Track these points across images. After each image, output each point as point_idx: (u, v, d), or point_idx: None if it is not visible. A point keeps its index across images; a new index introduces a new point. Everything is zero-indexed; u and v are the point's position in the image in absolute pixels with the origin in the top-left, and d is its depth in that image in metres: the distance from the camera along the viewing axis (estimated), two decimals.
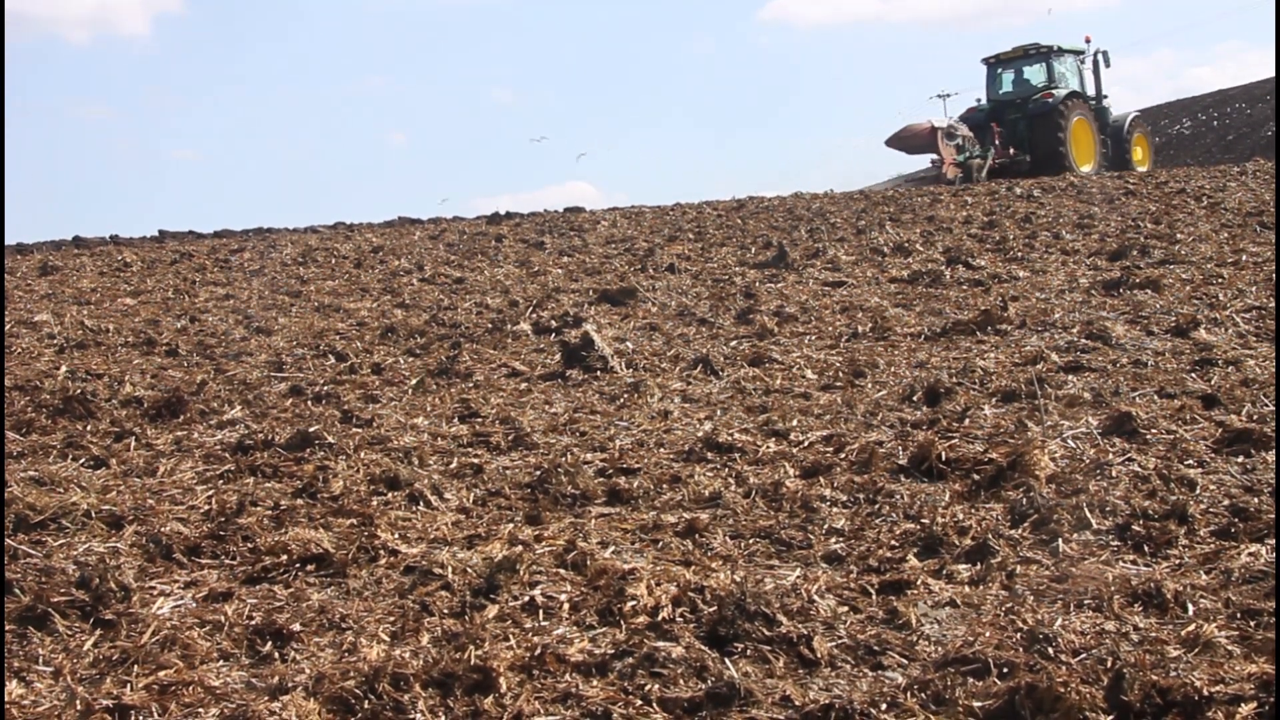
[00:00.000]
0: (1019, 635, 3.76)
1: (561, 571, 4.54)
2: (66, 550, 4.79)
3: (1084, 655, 3.59)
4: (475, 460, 6.27)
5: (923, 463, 5.72)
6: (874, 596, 4.27)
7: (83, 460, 6.32)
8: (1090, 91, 30.98)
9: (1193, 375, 7.11)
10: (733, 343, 9.65)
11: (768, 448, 6.22)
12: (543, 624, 4.08)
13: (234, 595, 4.41)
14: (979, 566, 4.45)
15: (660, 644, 3.82)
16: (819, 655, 3.75)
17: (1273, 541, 4.41)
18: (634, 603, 4.14)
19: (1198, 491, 5.04)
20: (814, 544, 4.85)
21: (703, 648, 3.79)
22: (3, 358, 9.58)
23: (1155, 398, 6.62)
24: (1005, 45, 35.69)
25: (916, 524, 4.96)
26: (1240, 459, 5.43)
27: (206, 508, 5.45)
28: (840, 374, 8.05)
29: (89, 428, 7.03)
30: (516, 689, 3.56)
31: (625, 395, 7.79)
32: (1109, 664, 3.48)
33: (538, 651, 3.77)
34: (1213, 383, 6.80)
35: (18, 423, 7.06)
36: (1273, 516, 4.63)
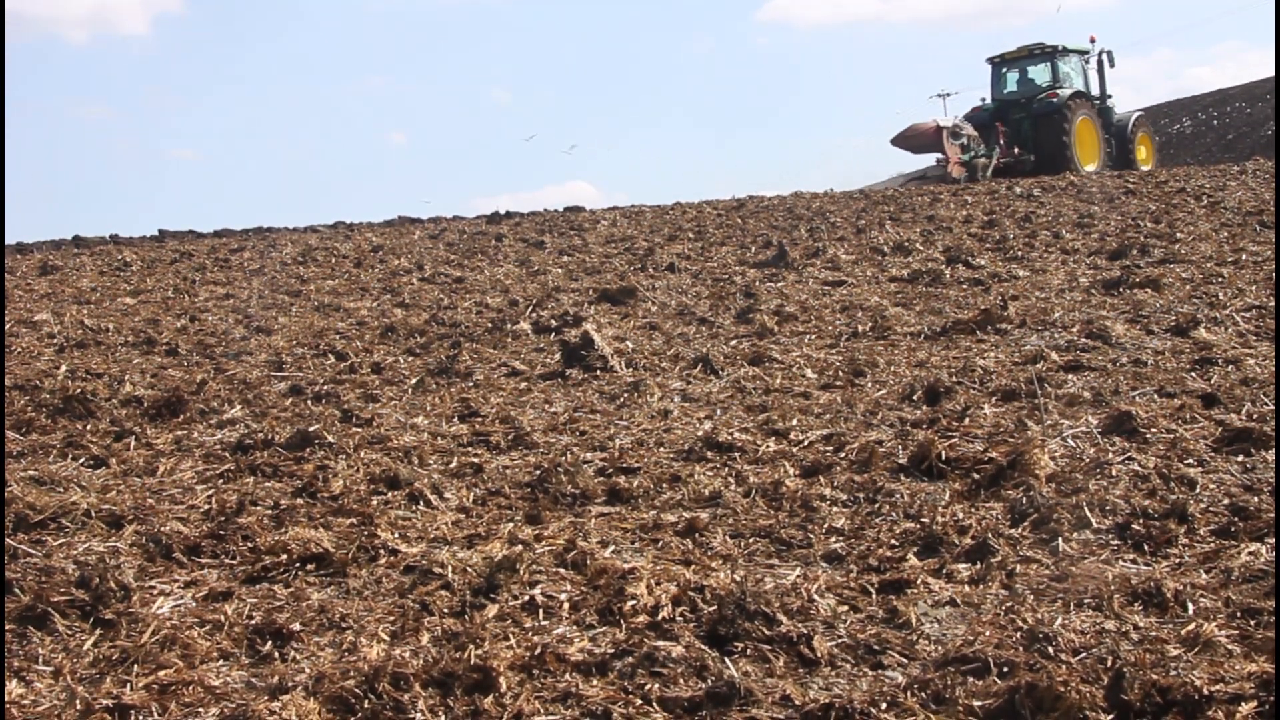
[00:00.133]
0: (1019, 634, 3.76)
1: (561, 571, 4.54)
2: (66, 550, 4.79)
3: (1084, 654, 3.59)
4: (475, 460, 6.27)
5: (923, 462, 5.72)
6: (874, 596, 4.27)
7: (83, 460, 6.32)
8: (1095, 91, 31.06)
9: (1192, 374, 7.10)
10: (733, 342, 9.65)
11: (768, 447, 6.22)
12: (543, 623, 4.08)
13: (234, 595, 4.41)
14: (979, 566, 4.45)
15: (660, 643, 3.82)
16: (819, 654, 3.75)
17: (1273, 540, 4.41)
18: (634, 602, 4.14)
19: (1198, 490, 5.04)
20: (814, 543, 4.85)
21: (703, 647, 3.79)
22: (3, 357, 9.58)
23: (1155, 397, 6.62)
24: (1005, 45, 35.82)
25: (916, 523, 4.96)
26: (1240, 458, 5.43)
27: (206, 507, 5.45)
28: (840, 373, 8.05)
29: (89, 427, 7.02)
30: (516, 688, 3.56)
31: (625, 394, 7.79)
32: (1109, 663, 3.48)
33: (538, 651, 3.77)
34: (1212, 382, 6.80)
35: (18, 422, 7.05)
36: (1273, 515, 4.63)
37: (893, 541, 4.80)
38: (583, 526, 5.15)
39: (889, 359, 8.45)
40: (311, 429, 6.61)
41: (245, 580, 4.59)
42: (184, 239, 22.19)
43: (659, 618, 4.04)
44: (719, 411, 7.19)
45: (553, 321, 10.86)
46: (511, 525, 5.16)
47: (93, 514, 5.21)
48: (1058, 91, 29.64)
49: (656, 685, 3.58)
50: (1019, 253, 13.98)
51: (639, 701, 3.50)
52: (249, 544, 4.91)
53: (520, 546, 4.77)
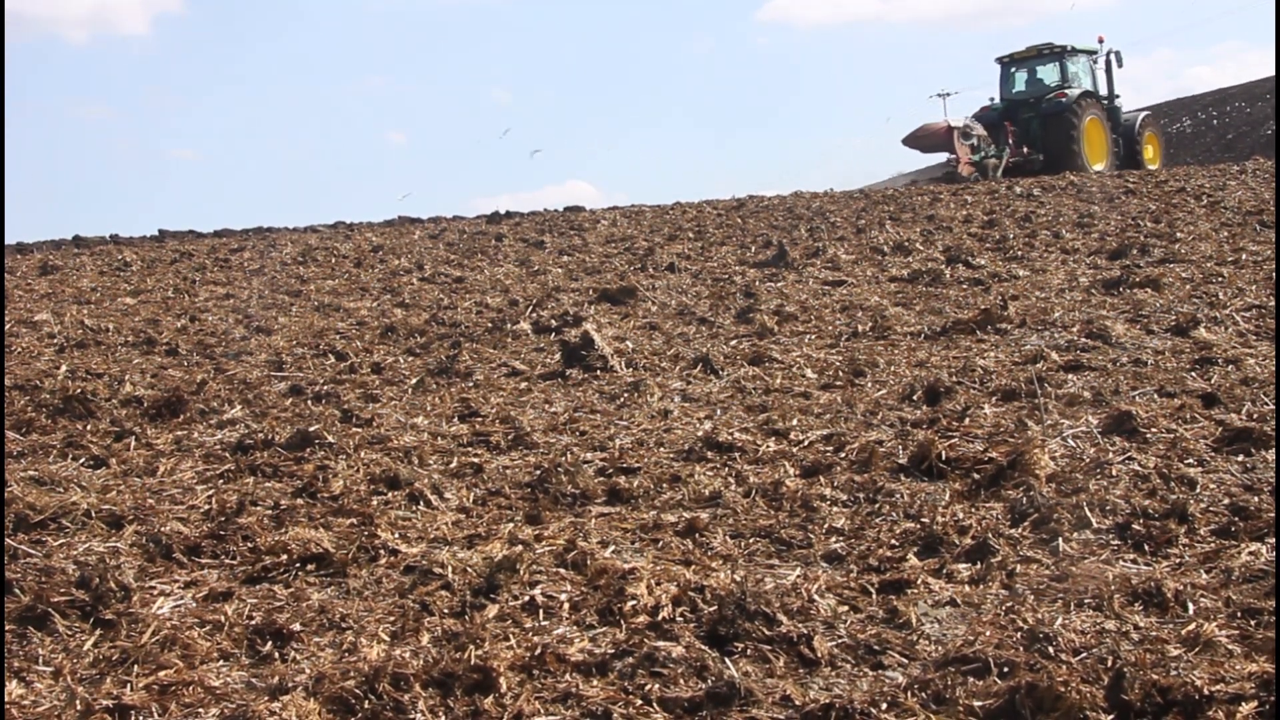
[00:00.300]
0: (1019, 634, 3.76)
1: (561, 571, 4.54)
2: (66, 550, 4.79)
3: (1084, 654, 3.59)
4: (475, 460, 6.27)
5: (923, 462, 5.72)
6: (874, 596, 4.27)
7: (83, 460, 6.32)
8: (1103, 91, 31.16)
9: (1192, 374, 7.10)
10: (733, 342, 9.65)
11: (768, 447, 6.22)
12: (543, 624, 4.08)
13: (234, 595, 4.41)
14: (979, 566, 4.45)
15: (660, 644, 3.82)
16: (819, 655, 3.75)
17: (1273, 540, 4.41)
18: (634, 602, 4.14)
19: (1198, 490, 5.04)
20: (814, 543, 4.85)
21: (703, 647, 3.79)
22: (3, 357, 9.58)
23: (1155, 397, 6.62)
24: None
25: (916, 523, 4.96)
26: (1240, 458, 5.43)
27: (206, 507, 5.45)
28: (840, 373, 8.05)
29: (89, 427, 7.02)
30: (516, 689, 3.56)
31: (625, 394, 7.79)
32: (1109, 663, 3.48)
33: (538, 651, 3.77)
34: (1213, 381, 6.80)
35: (18, 422, 7.05)
36: (1272, 515, 4.63)
37: (893, 541, 4.80)
38: (583, 527, 5.15)
39: (889, 359, 8.45)
40: (311, 429, 6.61)
41: (245, 580, 4.59)
42: (184, 239, 22.20)
43: (659, 618, 4.04)
44: (719, 411, 7.19)
45: (553, 321, 10.86)
46: (512, 525, 5.16)
47: (93, 514, 5.21)
48: (1066, 91, 29.79)
49: (657, 685, 3.58)
50: (1019, 252, 13.99)
51: (639, 702, 3.50)
52: (249, 544, 4.91)
53: (520, 547, 4.77)
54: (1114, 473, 5.31)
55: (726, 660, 3.72)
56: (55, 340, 10.75)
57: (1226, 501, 4.87)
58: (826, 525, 5.03)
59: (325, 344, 10.38)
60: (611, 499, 5.57)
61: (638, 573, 4.37)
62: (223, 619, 4.14)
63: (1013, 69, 31.51)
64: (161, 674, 3.71)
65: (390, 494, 5.64)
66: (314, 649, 3.95)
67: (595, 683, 3.63)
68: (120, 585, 4.28)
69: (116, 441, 6.75)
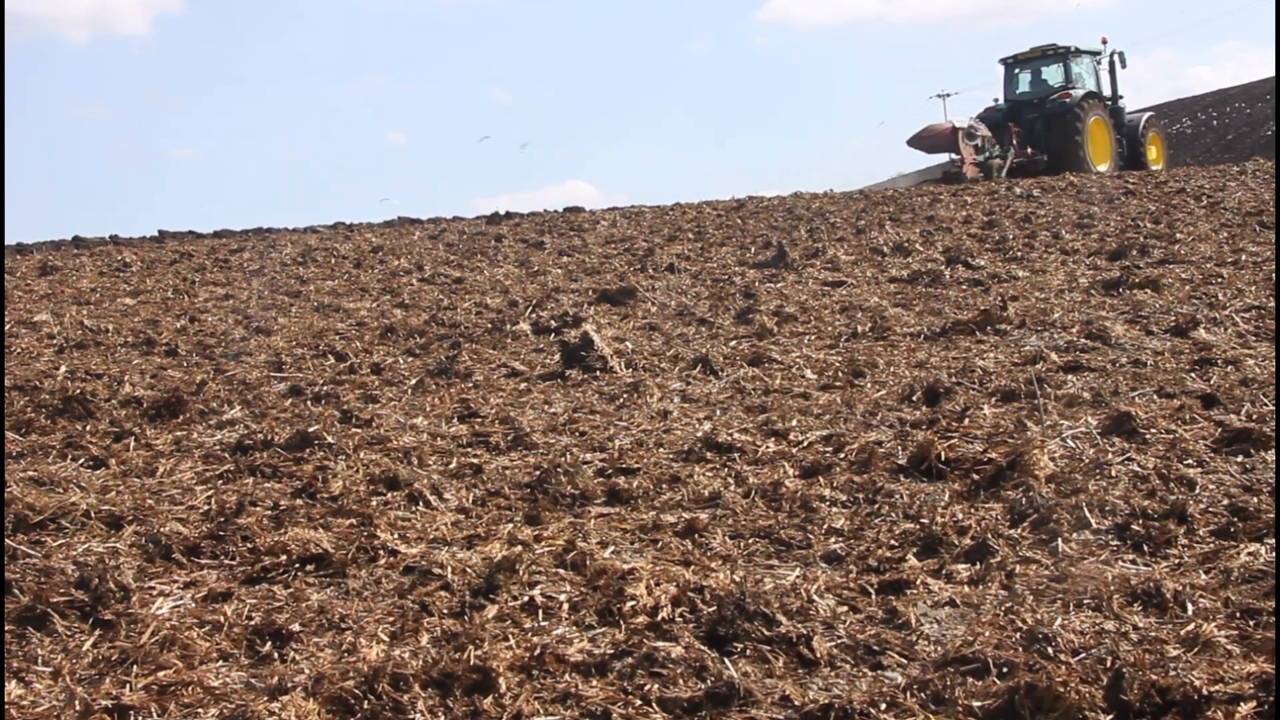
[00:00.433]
0: (1018, 635, 3.76)
1: (561, 571, 4.54)
2: (66, 550, 4.79)
3: (1083, 655, 3.59)
4: (475, 460, 6.27)
5: (922, 462, 5.72)
6: (873, 596, 4.27)
7: (82, 460, 6.32)
8: (1106, 92, 31.22)
9: (1192, 375, 7.11)
10: (732, 342, 9.65)
11: (767, 447, 6.22)
12: (542, 624, 4.08)
13: (233, 595, 4.41)
14: (978, 566, 4.46)
15: (660, 644, 3.82)
16: (818, 655, 3.75)
17: (1272, 541, 4.41)
18: (633, 603, 4.14)
19: (1197, 491, 5.04)
20: (813, 544, 4.85)
21: (702, 648, 3.80)
22: (2, 358, 9.58)
23: (1155, 397, 6.62)
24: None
25: (916, 524, 4.96)
26: (1239, 458, 5.43)
27: (206, 508, 5.45)
28: (840, 374, 8.05)
29: (88, 428, 7.03)
30: (516, 689, 3.56)
31: (625, 395, 7.79)
32: (1108, 663, 3.48)
33: (537, 651, 3.77)
34: (1212, 382, 6.80)
35: (17, 423, 7.06)
36: (1272, 516, 4.63)
37: (892, 542, 4.80)
38: (582, 527, 5.15)
39: (888, 359, 8.45)
40: (311, 430, 6.62)
41: (245, 581, 4.59)
42: (184, 239, 22.20)
43: (658, 618, 4.04)
44: (718, 412, 7.19)
45: (552, 322, 10.86)
46: (511, 526, 5.16)
47: (92, 515, 5.21)
48: (1070, 92, 29.87)
49: (656, 686, 3.58)
50: (1019, 253, 13.99)
51: (638, 702, 3.50)
52: (248, 545, 4.91)
53: (520, 547, 4.77)
54: (1113, 473, 5.31)
55: (726, 660, 3.72)
56: (55, 341, 10.75)
57: (1225, 502, 4.87)
58: (826, 526, 5.03)
59: (325, 344, 10.38)
60: (611, 499, 5.57)
61: (637, 573, 4.37)
62: (222, 619, 4.14)
63: (1017, 70, 31.61)
64: (161, 674, 3.71)
65: (390, 494, 5.64)
66: (313, 649, 3.96)
67: (595, 683, 3.63)
68: (119, 585, 4.28)
69: (116, 442, 6.75)
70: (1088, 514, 4.79)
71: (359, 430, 7.00)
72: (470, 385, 8.49)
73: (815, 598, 4.18)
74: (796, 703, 3.45)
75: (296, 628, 4.08)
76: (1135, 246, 13.29)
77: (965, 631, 3.89)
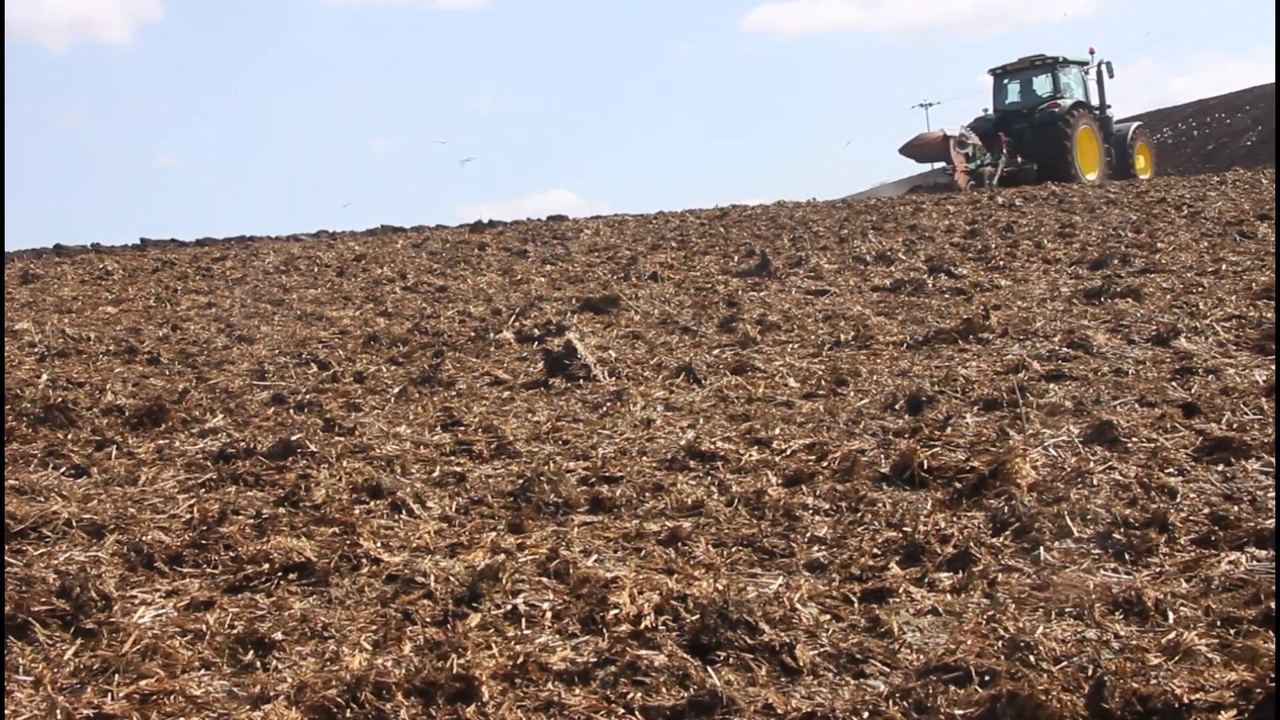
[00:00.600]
0: (1000, 643, 3.77)
1: (544, 580, 4.54)
2: (47, 559, 4.78)
3: (1065, 663, 3.60)
4: (458, 469, 6.27)
5: (905, 471, 5.73)
6: (856, 605, 4.28)
7: (64, 469, 6.30)
8: (1094, 101, 31.50)
9: (1173, 384, 7.13)
10: (715, 351, 9.66)
11: (750, 456, 6.23)
12: (525, 632, 4.08)
13: (216, 604, 4.40)
14: (961, 574, 4.47)
15: (643, 652, 3.82)
16: (801, 663, 3.76)
17: (1253, 549, 4.43)
18: (616, 611, 4.14)
19: (1178, 500, 5.06)
20: (796, 552, 4.85)
21: (685, 656, 3.80)
22: (2, 357, 9.53)
23: (1136, 406, 6.64)
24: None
25: (898, 532, 4.97)
26: (1220, 467, 5.45)
27: (188, 516, 5.43)
28: (823, 382, 8.06)
29: (70, 436, 7.00)
30: (499, 698, 3.56)
31: (608, 404, 7.79)
32: (1090, 672, 3.49)
33: (520, 660, 3.77)
34: (1193, 391, 6.83)
35: None
36: (1253, 524, 4.65)
37: (875, 550, 4.81)
38: (565, 535, 5.15)
39: (871, 368, 8.47)
40: (294, 438, 6.60)
41: (227, 590, 4.58)
42: (166, 247, 22.13)
43: (641, 627, 4.04)
44: (702, 421, 7.19)
45: (536, 330, 10.86)
46: (494, 534, 5.16)
47: (74, 523, 5.19)
48: (1059, 102, 30.15)
49: (639, 694, 3.58)
50: (1001, 262, 14.03)
51: (621, 710, 3.50)
52: (231, 553, 4.90)
53: (503, 555, 4.76)
54: (1095, 482, 5.33)
55: (709, 669, 3.72)
56: (36, 349, 10.71)
57: (1206, 511, 4.89)
58: (809, 534, 5.04)
59: (308, 353, 10.36)
60: (594, 508, 5.57)
61: (620, 581, 4.37)
62: (204, 628, 4.13)
63: (1006, 80, 31.93)
64: (142, 683, 3.70)
65: (372, 503, 5.63)
66: (296, 658, 3.95)
67: (577, 691, 3.63)
68: (101, 594, 4.27)
69: (98, 451, 6.73)
70: (1069, 523, 4.81)
71: (342, 439, 6.99)
72: (453, 394, 8.49)
73: (798, 606, 4.18)
74: (779, 711, 3.46)
75: (279, 636, 4.07)
76: (1116, 256, 13.34)
77: (947, 640, 3.91)
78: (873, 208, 22.67)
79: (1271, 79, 49.58)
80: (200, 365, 9.99)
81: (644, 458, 6.39)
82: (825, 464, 6.01)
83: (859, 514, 5.27)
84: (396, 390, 8.60)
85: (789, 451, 6.29)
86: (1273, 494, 5.00)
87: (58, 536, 5.07)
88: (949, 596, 4.30)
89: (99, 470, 6.30)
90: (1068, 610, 4.02)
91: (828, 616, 4.17)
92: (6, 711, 3.53)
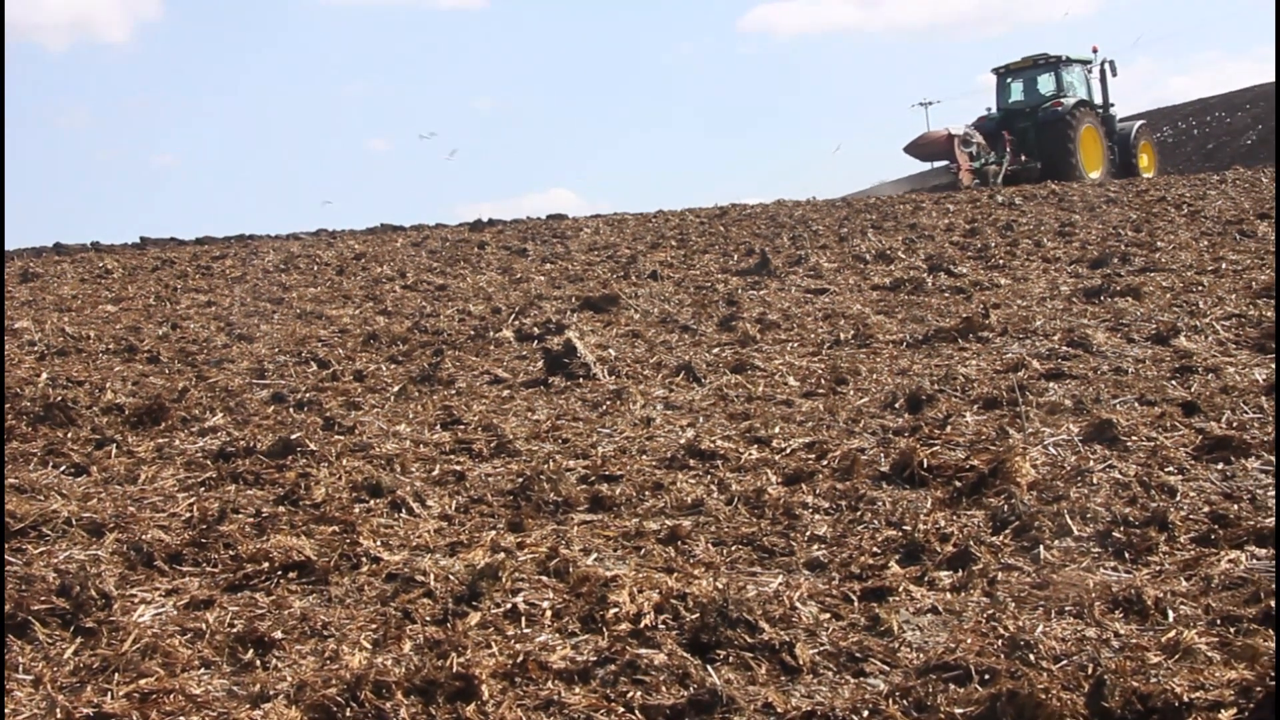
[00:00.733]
0: (1000, 642, 3.77)
1: (544, 579, 4.54)
2: (47, 558, 4.77)
3: (1065, 662, 3.60)
4: (457, 467, 6.27)
5: (904, 470, 5.73)
6: (856, 603, 4.28)
7: (63, 468, 6.30)
8: (1098, 100, 31.55)
9: (1173, 382, 7.13)
10: (715, 350, 9.66)
11: (750, 455, 6.22)
12: (525, 631, 4.08)
13: (215, 603, 4.40)
14: (960, 573, 4.47)
15: (642, 651, 3.82)
16: (801, 662, 3.76)
17: (1253, 548, 4.43)
18: (616, 610, 4.14)
19: (1178, 498, 5.06)
20: (796, 551, 4.85)
21: (685, 655, 3.80)
22: (2, 356, 9.53)
23: (1136, 405, 6.64)
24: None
25: (898, 531, 4.97)
26: (1220, 466, 5.45)
27: (188, 515, 5.43)
28: (822, 381, 8.06)
29: (70, 435, 7.00)
30: (499, 696, 3.56)
31: (608, 402, 7.78)
32: (1090, 670, 3.49)
33: (520, 659, 3.77)
34: (1193, 390, 6.83)
35: None
36: (1252, 523, 4.65)
37: (875, 549, 4.80)
38: (565, 534, 5.15)
39: (871, 367, 8.47)
40: (293, 437, 6.60)
41: (227, 588, 4.58)
42: (166, 246, 22.12)
43: (641, 625, 4.04)
44: (701, 419, 7.19)
45: (535, 329, 10.86)
46: (494, 533, 5.15)
47: (73, 522, 5.19)
48: (1062, 100, 30.20)
49: (639, 693, 3.58)
50: (1000, 261, 14.03)
51: (621, 709, 3.50)
52: (230, 552, 4.89)
53: (502, 554, 4.76)
54: (1095, 481, 5.33)
55: (709, 668, 3.72)
56: (36, 348, 10.70)
57: (1206, 509, 4.89)
58: (808, 533, 5.04)
59: (307, 351, 10.35)
60: (594, 507, 5.57)
61: (620, 580, 4.37)
62: (204, 627, 4.13)
63: (1009, 79, 32.01)
64: (142, 682, 3.70)
65: (372, 501, 5.63)
66: (296, 657, 3.95)
67: (577, 690, 3.63)
68: (101, 593, 4.27)
69: (97, 449, 6.72)
70: (1069, 521, 4.81)
71: (341, 437, 6.98)
72: (453, 392, 8.48)
73: (798, 605, 4.18)
74: (779, 710, 3.46)
75: (279, 635, 4.07)
76: (1116, 255, 13.34)
77: (947, 638, 3.90)
78: (872, 206, 22.67)
79: (1271, 78, 49.64)
80: (200, 364, 9.99)
81: (644, 456, 6.39)
82: (825, 463, 6.01)
83: (859, 513, 5.27)
84: (396, 389, 8.60)
85: (789, 450, 6.29)
86: (1273, 492, 5.00)
87: (57, 535, 5.07)
88: (949, 595, 4.30)
89: (99, 469, 6.30)
90: (1068, 609, 4.02)
91: (827, 615, 4.17)
92: (6, 710, 3.53)
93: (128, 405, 7.74)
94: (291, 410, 7.90)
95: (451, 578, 4.52)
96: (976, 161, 28.99)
